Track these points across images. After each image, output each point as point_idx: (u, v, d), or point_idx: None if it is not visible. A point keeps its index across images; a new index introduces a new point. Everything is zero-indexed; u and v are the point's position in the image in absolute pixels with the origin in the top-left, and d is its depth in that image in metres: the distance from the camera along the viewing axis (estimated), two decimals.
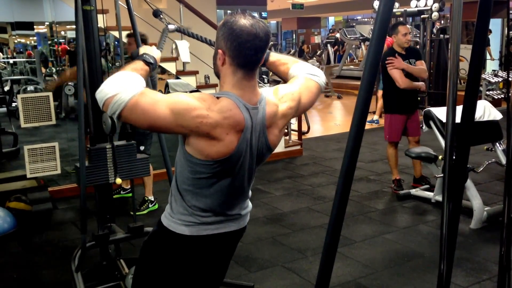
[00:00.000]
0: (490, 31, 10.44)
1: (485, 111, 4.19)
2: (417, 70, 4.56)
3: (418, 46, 8.97)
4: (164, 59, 5.20)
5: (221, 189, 1.56)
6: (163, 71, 5.93)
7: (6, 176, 4.78)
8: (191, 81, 5.53)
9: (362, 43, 14.05)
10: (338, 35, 17.21)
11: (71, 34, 7.84)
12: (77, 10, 2.59)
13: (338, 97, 11.53)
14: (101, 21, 2.95)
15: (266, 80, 7.20)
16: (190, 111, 1.41)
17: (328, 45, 16.58)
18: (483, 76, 9.22)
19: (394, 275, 3.14)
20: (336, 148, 6.64)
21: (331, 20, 25.84)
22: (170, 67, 5.43)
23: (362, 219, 4.10)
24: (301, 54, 16.91)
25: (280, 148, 6.07)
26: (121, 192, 4.71)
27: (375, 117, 8.22)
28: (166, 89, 7.20)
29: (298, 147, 6.43)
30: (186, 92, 3.53)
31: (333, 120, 9.31)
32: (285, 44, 24.91)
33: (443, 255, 1.33)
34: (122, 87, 1.40)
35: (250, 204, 1.74)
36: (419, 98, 5.16)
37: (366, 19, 23.13)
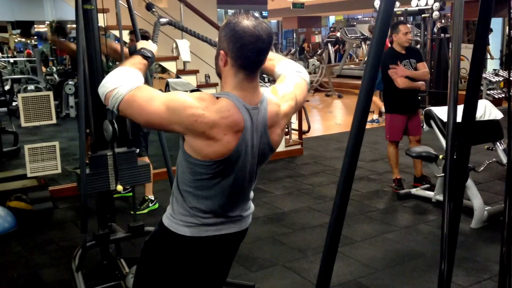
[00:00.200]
0: (491, 30, 10.42)
1: (486, 110, 4.18)
2: (420, 74, 4.58)
3: (418, 46, 8.96)
4: (164, 58, 5.22)
5: (221, 190, 1.56)
6: (164, 70, 5.91)
7: (6, 176, 4.79)
8: (191, 80, 5.52)
9: (362, 42, 14.04)
10: (338, 34, 17.22)
11: (71, 34, 7.83)
12: (78, 9, 2.59)
13: (338, 97, 11.52)
14: (101, 20, 2.95)
15: (266, 80, 7.17)
16: (185, 109, 1.42)
17: (329, 44, 16.60)
18: (484, 75, 9.20)
19: (394, 275, 3.14)
20: (337, 148, 6.64)
21: (332, 19, 25.84)
22: (171, 66, 5.42)
23: (363, 219, 4.10)
24: (301, 53, 16.89)
25: (280, 147, 6.06)
26: (121, 191, 4.70)
27: (375, 116, 8.22)
28: (167, 88, 7.18)
29: (299, 147, 6.42)
30: (187, 91, 3.53)
31: (333, 119, 9.30)
32: (286, 43, 24.88)
33: (443, 254, 1.33)
34: (120, 82, 1.46)
35: (252, 206, 1.73)
36: (419, 98, 5.16)
37: (366, 18, 23.15)
